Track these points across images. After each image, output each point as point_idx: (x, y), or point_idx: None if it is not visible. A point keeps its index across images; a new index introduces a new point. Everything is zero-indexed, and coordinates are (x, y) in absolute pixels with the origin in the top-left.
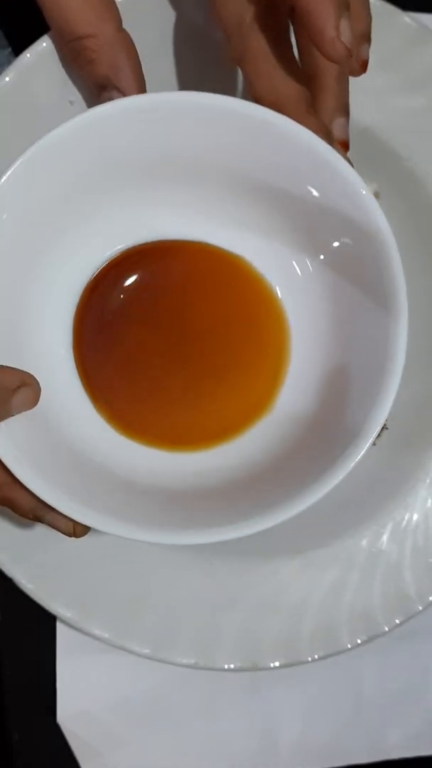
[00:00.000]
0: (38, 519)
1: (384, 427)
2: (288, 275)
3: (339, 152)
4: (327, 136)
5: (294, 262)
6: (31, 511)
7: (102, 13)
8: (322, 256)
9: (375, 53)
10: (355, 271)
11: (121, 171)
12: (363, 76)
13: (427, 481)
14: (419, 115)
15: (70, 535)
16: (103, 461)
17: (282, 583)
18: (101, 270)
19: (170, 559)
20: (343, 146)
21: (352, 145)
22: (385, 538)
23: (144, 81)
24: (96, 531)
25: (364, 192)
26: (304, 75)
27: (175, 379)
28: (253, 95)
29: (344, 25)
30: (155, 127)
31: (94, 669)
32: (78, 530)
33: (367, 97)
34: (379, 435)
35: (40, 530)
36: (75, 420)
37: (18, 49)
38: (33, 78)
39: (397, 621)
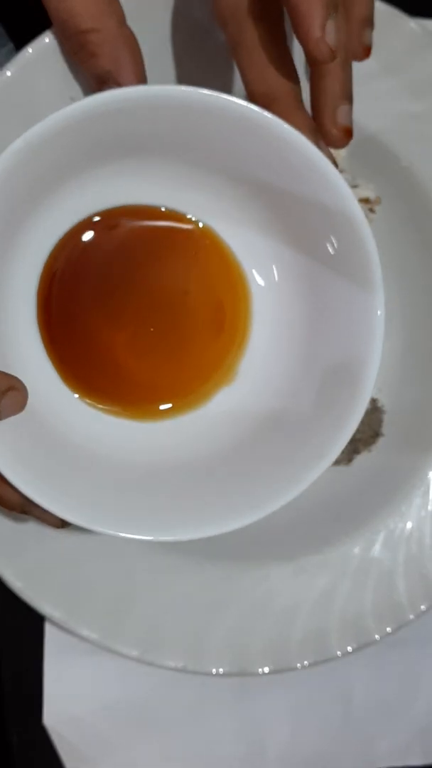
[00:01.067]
0: (26, 513)
1: (379, 434)
2: (261, 262)
3: (324, 151)
4: (313, 133)
5: (268, 250)
6: (19, 506)
7: (105, 7)
8: (297, 245)
9: (379, 58)
10: (331, 263)
11: (103, 155)
12: (366, 80)
13: (422, 488)
14: (422, 121)
15: (58, 528)
16: (83, 443)
17: (273, 588)
18: (70, 231)
19: (161, 561)
20: (347, 133)
21: (354, 149)
22: (378, 545)
23: (145, 77)
24: (86, 531)
25: (344, 191)
26: (309, 60)
27: (142, 343)
28: (245, 85)
29: (331, 26)
30: (144, 118)
31: (82, 672)
32: (67, 523)
33: (370, 102)
34: (374, 442)
35: (30, 529)
36: (51, 402)
37: (20, 46)
38: (34, 73)
39: (388, 630)
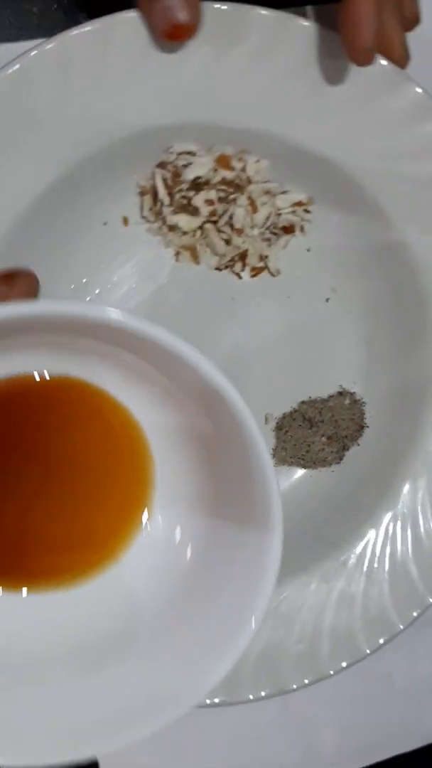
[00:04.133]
0: None
1: (364, 426)
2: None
3: None
4: None
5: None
6: None
7: None
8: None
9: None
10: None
11: None
12: (367, 137)
13: (415, 469)
14: (335, 114)
15: None
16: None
17: (293, 603)
18: None
19: None
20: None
21: (276, 158)
22: (384, 536)
23: None
24: None
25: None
26: None
27: (38, 517)
28: None
29: None
30: None
31: None
32: None
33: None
34: (360, 435)
35: None
36: None
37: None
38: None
39: (414, 615)
